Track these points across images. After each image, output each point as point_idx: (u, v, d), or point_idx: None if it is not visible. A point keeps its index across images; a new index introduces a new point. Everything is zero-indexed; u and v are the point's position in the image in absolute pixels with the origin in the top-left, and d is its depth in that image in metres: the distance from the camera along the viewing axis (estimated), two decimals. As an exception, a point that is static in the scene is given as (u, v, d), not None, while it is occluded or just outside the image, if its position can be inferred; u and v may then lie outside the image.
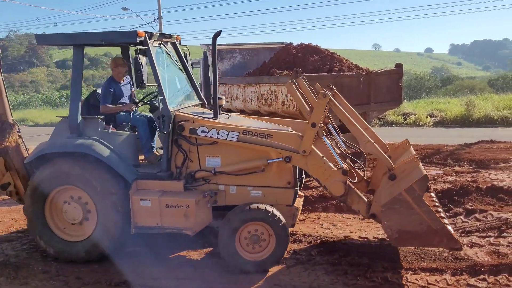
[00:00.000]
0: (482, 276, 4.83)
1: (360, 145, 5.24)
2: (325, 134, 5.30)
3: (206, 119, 5.44)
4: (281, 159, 5.17)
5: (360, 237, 6.06)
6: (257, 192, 5.36)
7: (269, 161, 5.25)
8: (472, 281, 4.76)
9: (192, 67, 13.35)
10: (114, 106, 5.84)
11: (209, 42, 6.74)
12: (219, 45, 12.17)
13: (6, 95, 5.93)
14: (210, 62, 11.21)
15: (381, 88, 9.63)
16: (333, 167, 5.04)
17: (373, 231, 6.24)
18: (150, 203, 5.18)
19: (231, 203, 5.41)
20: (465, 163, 9.85)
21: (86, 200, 5.42)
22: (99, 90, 6.15)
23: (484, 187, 7.53)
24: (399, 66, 10.21)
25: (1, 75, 5.90)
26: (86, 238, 5.45)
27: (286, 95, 8.68)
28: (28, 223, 5.66)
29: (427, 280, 4.81)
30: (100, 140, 5.37)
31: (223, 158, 5.36)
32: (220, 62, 11.55)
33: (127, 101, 6.10)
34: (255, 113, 9.25)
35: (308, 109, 5.39)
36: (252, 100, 9.78)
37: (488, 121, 17.00)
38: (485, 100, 20.58)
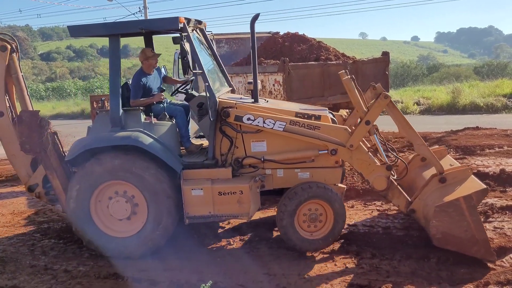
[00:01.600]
0: (468, 261, 4.89)
1: (414, 147, 5.36)
2: (376, 132, 5.37)
3: (249, 105, 5.40)
4: (326, 151, 5.21)
5: (348, 224, 6.09)
6: (305, 174, 5.38)
7: (320, 152, 5.28)
8: (459, 265, 4.83)
9: (178, 58, 13.33)
10: (143, 99, 5.71)
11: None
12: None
13: (27, 92, 5.75)
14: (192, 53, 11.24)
15: (368, 76, 9.68)
16: (377, 162, 5.20)
17: (361, 218, 6.29)
18: (203, 192, 5.14)
19: (279, 186, 5.46)
20: (451, 149, 9.93)
21: (133, 194, 5.27)
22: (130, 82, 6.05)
23: (470, 173, 7.62)
24: (385, 54, 10.25)
25: (21, 72, 5.72)
26: (136, 233, 5.30)
27: (273, 85, 8.68)
28: (73, 224, 5.41)
29: (414, 266, 4.86)
30: (145, 131, 5.26)
31: (269, 143, 5.35)
32: (206, 52, 11.46)
33: (158, 91, 6.01)
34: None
35: (364, 107, 5.38)
36: (239, 90, 9.74)
37: (473, 108, 17.16)
38: (471, 87, 20.77)
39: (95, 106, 7.96)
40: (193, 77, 6.24)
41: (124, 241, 5.29)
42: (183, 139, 5.66)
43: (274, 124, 5.17)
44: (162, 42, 68.55)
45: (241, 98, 5.73)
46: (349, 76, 5.55)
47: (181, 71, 14.07)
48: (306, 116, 5.35)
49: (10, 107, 5.60)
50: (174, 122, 5.60)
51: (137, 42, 74.08)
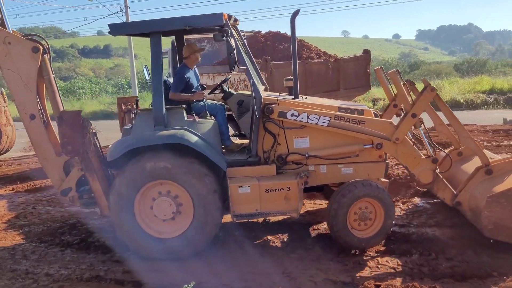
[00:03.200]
0: (449, 256, 4.98)
1: (460, 139, 5.44)
2: (421, 126, 5.38)
3: (291, 101, 5.36)
4: (371, 145, 5.21)
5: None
6: (348, 169, 5.34)
7: (365, 146, 5.26)
8: (441, 259, 4.90)
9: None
10: (184, 94, 5.63)
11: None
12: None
13: (59, 94, 5.62)
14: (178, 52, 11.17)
15: (350, 74, 9.75)
16: (422, 155, 5.22)
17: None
18: (250, 189, 5.06)
19: (322, 182, 5.44)
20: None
21: (176, 193, 5.18)
22: (170, 79, 5.94)
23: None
24: (366, 52, 10.33)
25: (52, 73, 5.57)
26: (182, 233, 5.20)
27: (256, 84, 8.67)
28: (117, 228, 5.26)
29: (397, 262, 4.92)
30: (189, 129, 5.16)
31: (312, 138, 5.30)
32: (188, 52, 11.40)
33: (199, 89, 5.95)
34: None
35: (410, 100, 5.42)
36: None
37: (454, 105, 17.41)
38: (451, 84, 21.11)
39: (123, 108, 7.85)
40: (230, 76, 6.18)
41: (170, 242, 5.20)
42: (223, 138, 5.57)
43: (318, 119, 5.15)
44: (145, 42, 67.81)
45: (279, 95, 5.70)
46: (395, 70, 5.61)
47: (164, 70, 14.00)
48: (349, 111, 5.35)
49: (41, 109, 5.46)
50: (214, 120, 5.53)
51: (119, 42, 73.36)
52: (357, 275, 4.68)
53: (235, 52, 4.98)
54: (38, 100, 5.42)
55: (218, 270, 4.92)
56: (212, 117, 5.52)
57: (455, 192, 5.26)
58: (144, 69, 14.35)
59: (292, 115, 5.15)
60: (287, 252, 5.31)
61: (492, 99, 18.71)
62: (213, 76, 9.95)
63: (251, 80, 5.19)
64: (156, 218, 5.22)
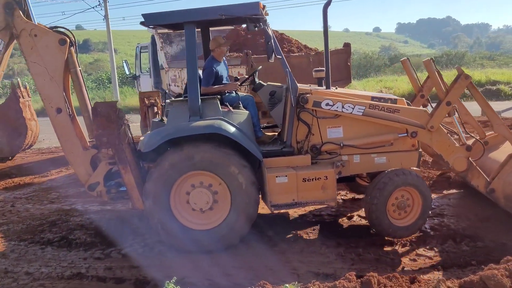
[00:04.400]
0: (430, 246, 5.06)
1: (493, 126, 5.52)
2: (455, 113, 5.40)
3: (324, 91, 5.36)
4: (406, 134, 5.24)
5: (313, 214, 6.17)
6: (381, 159, 5.36)
7: (400, 135, 5.27)
8: (421, 250, 5.00)
9: (140, 52, 13.12)
10: (216, 86, 5.61)
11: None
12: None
13: (85, 88, 5.53)
14: (158, 46, 11.07)
15: (331, 67, 9.73)
16: (456, 143, 5.27)
17: (327, 208, 6.36)
18: (287, 179, 5.04)
19: (355, 172, 5.45)
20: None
21: (211, 183, 5.12)
22: (199, 72, 5.89)
23: (431, 160, 7.86)
24: (347, 45, 10.36)
25: (79, 66, 5.46)
26: (217, 225, 5.13)
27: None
28: (151, 221, 5.15)
29: (378, 253, 4.97)
30: (226, 119, 5.10)
31: (345, 128, 5.31)
32: (169, 46, 11.32)
33: (227, 81, 5.93)
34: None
35: (443, 88, 5.43)
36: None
37: (434, 97, 17.34)
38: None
39: (146, 102, 7.74)
40: (260, 67, 6.17)
41: (204, 234, 5.13)
42: (255, 129, 5.56)
43: (353, 108, 5.15)
44: (125, 37, 67.24)
45: (310, 85, 5.68)
46: (429, 58, 5.67)
47: (144, 65, 13.88)
48: (382, 100, 5.35)
49: (66, 103, 5.35)
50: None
51: (98, 37, 72.31)
52: (339, 266, 4.71)
53: (272, 40, 4.97)
54: (64, 93, 5.32)
55: (201, 265, 4.90)
56: (244, 108, 5.53)
57: (488, 180, 5.32)
58: (124, 64, 14.25)
59: (327, 104, 5.17)
60: (270, 245, 5.32)
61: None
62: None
63: (287, 69, 5.18)
64: (191, 209, 5.17)
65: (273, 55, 5.05)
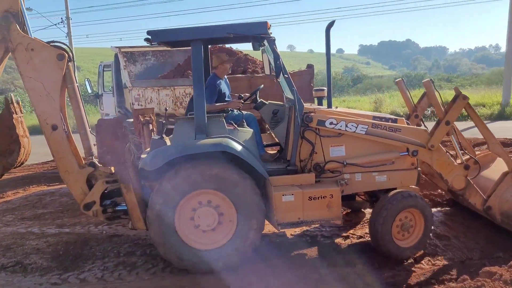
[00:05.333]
0: (391, 265, 5.13)
1: (489, 145, 5.61)
2: (454, 133, 5.54)
3: (328, 110, 5.38)
4: (407, 153, 5.32)
5: (276, 234, 6.16)
6: (382, 177, 5.40)
7: (401, 154, 5.34)
8: (383, 269, 5.04)
9: (103, 70, 12.95)
10: (219, 104, 5.57)
11: (121, 44, 6.57)
12: (132, 47, 11.82)
13: (82, 104, 5.33)
14: (122, 65, 10.96)
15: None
16: (455, 162, 5.38)
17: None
18: (293, 198, 5.00)
19: (357, 190, 5.48)
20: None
21: (218, 203, 5.03)
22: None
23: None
24: (310, 67, 10.54)
25: (76, 82, 5.26)
26: (224, 244, 5.04)
27: (201, 97, 8.63)
28: (156, 242, 5.02)
29: (340, 273, 4.98)
30: (232, 137, 5.04)
31: (348, 147, 5.34)
32: (132, 65, 11.22)
33: (230, 98, 5.90)
34: (171, 117, 9.09)
35: (442, 108, 5.54)
36: (167, 103, 9.60)
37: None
38: (391, 98, 22.00)
39: (141, 119, 7.51)
40: (261, 86, 6.15)
41: (211, 253, 5.02)
42: (258, 147, 5.50)
43: (356, 127, 5.22)
44: (88, 54, 66.22)
45: (311, 104, 5.69)
46: (429, 79, 5.79)
47: (107, 83, 13.67)
48: (383, 119, 5.42)
49: (62, 120, 5.15)
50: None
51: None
52: (302, 287, 4.69)
53: (281, 60, 5.00)
54: (60, 110, 5.15)
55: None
56: (247, 126, 5.51)
57: (485, 197, 5.45)
58: (86, 82, 14.02)
59: (331, 123, 5.22)
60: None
61: (429, 112, 19.64)
62: (158, 90, 9.82)
63: (293, 88, 5.19)
64: (196, 229, 5.05)
65: (281, 74, 5.09)
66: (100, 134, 4.90)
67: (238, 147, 4.97)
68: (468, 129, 13.19)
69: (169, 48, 12.03)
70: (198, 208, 5.01)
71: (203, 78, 5.08)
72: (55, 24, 28.06)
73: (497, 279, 3.93)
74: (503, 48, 25.88)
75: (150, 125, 7.30)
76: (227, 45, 10.92)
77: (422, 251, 5.38)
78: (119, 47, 11.23)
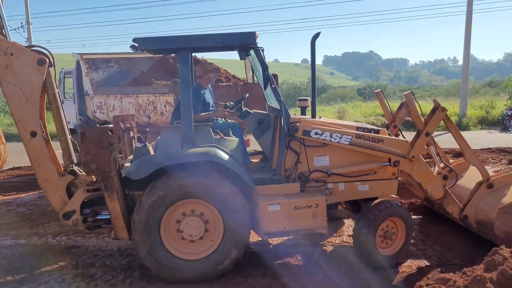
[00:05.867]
0: (351, 272, 5.19)
1: (465, 156, 5.78)
2: (432, 144, 5.69)
3: (312, 120, 5.41)
4: (388, 163, 5.41)
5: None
6: (364, 186, 5.45)
7: (383, 164, 5.42)
8: (344, 277, 5.10)
9: (64, 77, 12.67)
10: (205, 113, 5.53)
11: (82, 51, 6.45)
12: (94, 54, 11.63)
13: (63, 111, 5.11)
14: (83, 72, 10.75)
15: (258, 97, 9.86)
16: (434, 172, 5.51)
17: (253, 238, 6.35)
18: (279, 207, 5.00)
19: (340, 199, 5.50)
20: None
21: (203, 212, 4.96)
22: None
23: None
24: (274, 76, 10.59)
25: (56, 88, 5.02)
26: (210, 254, 4.98)
27: (165, 106, 8.56)
28: (139, 251, 4.89)
29: (303, 282, 5.02)
30: (219, 147, 4.98)
31: (331, 157, 5.38)
32: (94, 72, 11.02)
33: (214, 108, 5.84)
34: (135, 124, 8.97)
35: (422, 120, 5.65)
36: (129, 111, 9.47)
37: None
38: (355, 108, 22.43)
39: (121, 126, 7.23)
40: (246, 95, 6.11)
41: (197, 263, 4.97)
42: (243, 156, 5.46)
43: (340, 138, 5.27)
44: (49, 60, 64.24)
45: (295, 114, 5.71)
46: (410, 91, 5.91)
47: (68, 90, 13.36)
48: (366, 130, 5.49)
49: (42, 126, 4.91)
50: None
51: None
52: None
53: (269, 70, 4.99)
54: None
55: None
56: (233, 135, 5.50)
57: (461, 206, 5.59)
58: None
59: (316, 133, 5.24)
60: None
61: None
62: (120, 98, 9.68)
63: (279, 98, 5.20)
64: (182, 239, 4.96)
65: (269, 84, 5.09)
66: (85, 142, 4.76)
67: (225, 157, 4.96)
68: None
69: (133, 56, 12.03)
70: (184, 218, 4.96)
71: (190, 87, 5.05)
72: (15, 29, 27.28)
73: (451, 285, 4.04)
74: (461, 61, 26.90)
75: (131, 132, 7.17)
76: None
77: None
78: (81, 54, 11.03)
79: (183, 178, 4.84)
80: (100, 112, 9.90)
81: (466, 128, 20.94)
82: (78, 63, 11.33)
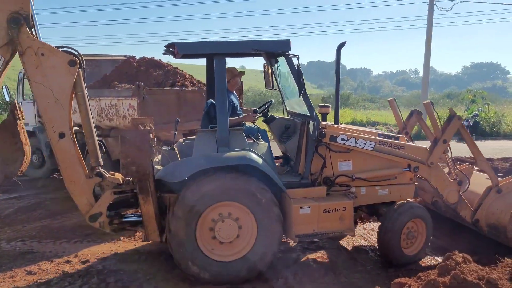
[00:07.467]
0: (313, 278, 5.23)
1: (477, 162, 6.10)
2: (448, 150, 5.89)
3: (337, 126, 5.65)
4: (408, 169, 5.67)
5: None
6: (384, 191, 5.71)
7: (404, 170, 5.68)
8: (306, 282, 5.13)
9: (23, 78, 12.30)
10: (235, 118, 5.63)
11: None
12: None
13: (91, 113, 4.97)
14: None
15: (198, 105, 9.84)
16: (450, 178, 5.74)
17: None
18: (310, 210, 5.14)
19: (361, 203, 5.72)
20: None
21: (238, 215, 5.04)
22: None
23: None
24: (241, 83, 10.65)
25: (86, 90, 4.87)
26: (245, 255, 5.06)
27: (128, 109, 8.43)
28: (176, 253, 4.95)
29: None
30: (254, 151, 5.11)
31: (354, 162, 5.58)
32: (55, 73, 10.75)
33: (241, 111, 5.99)
34: (96, 128, 8.80)
35: (439, 127, 5.84)
36: (91, 113, 9.26)
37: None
38: (319, 115, 22.66)
39: (141, 129, 6.94)
40: (272, 100, 6.29)
41: (231, 265, 5.05)
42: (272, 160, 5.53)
43: (365, 144, 5.48)
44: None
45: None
46: (429, 101, 6.07)
47: (27, 91, 13.01)
48: (387, 137, 5.68)
49: (70, 127, 4.78)
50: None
51: None
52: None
53: (304, 78, 5.11)
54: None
55: None
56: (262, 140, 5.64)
57: (473, 211, 5.80)
58: (4, 90, 13.22)
59: (342, 139, 5.45)
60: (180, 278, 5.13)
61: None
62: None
63: (310, 105, 5.31)
64: (215, 240, 5.04)
65: (303, 90, 5.18)
66: (125, 145, 4.72)
67: (260, 161, 5.09)
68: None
69: (96, 58, 11.80)
70: (219, 220, 5.02)
71: (226, 92, 5.15)
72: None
73: (406, 289, 4.15)
74: (421, 73, 27.80)
75: (151, 135, 7.05)
76: (157, 58, 10.83)
77: (343, 265, 5.55)
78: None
79: (221, 181, 4.95)
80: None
81: (425, 137, 21.50)
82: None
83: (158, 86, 9.46)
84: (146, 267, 5.59)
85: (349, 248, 6.30)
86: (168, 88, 9.25)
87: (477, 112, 22.97)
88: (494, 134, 21.77)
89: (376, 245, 5.95)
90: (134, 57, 11.17)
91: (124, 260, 5.84)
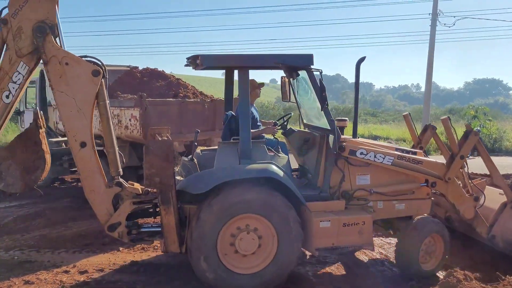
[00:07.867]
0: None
1: (493, 178, 6.07)
2: (465, 166, 5.92)
3: (356, 140, 5.69)
4: (425, 184, 5.68)
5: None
6: (401, 205, 5.68)
7: (421, 185, 5.70)
8: None
9: (27, 87, 12.35)
10: (256, 130, 5.70)
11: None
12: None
13: (111, 122, 5.05)
14: (47, 82, 10.48)
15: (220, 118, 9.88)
16: (466, 194, 5.75)
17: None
18: (330, 224, 5.13)
19: (379, 217, 5.70)
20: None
21: (258, 227, 5.05)
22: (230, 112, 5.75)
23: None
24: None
25: (108, 99, 4.94)
26: (263, 269, 5.07)
27: (130, 120, 8.44)
28: (196, 263, 4.93)
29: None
30: (275, 164, 5.14)
31: (372, 176, 5.59)
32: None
33: (261, 124, 6.07)
34: (98, 138, 8.80)
35: (456, 143, 5.87)
36: (94, 124, 9.26)
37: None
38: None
39: (158, 139, 6.95)
40: (291, 113, 6.37)
41: (252, 277, 5.05)
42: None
43: (384, 158, 5.49)
44: None
45: None
46: (446, 117, 6.08)
47: (31, 100, 13.03)
48: (405, 152, 5.69)
49: (91, 137, 4.81)
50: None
51: None
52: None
53: (326, 91, 5.13)
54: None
55: None
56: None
57: (489, 227, 5.76)
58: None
59: (361, 153, 5.45)
60: None
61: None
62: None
63: (331, 119, 5.30)
64: (236, 253, 5.04)
65: (326, 104, 5.20)
66: (149, 155, 4.74)
67: (281, 173, 5.09)
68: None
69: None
70: (239, 233, 5.01)
71: (249, 104, 5.19)
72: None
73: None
74: (423, 88, 27.80)
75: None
76: (160, 69, 10.87)
77: (345, 280, 5.50)
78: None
79: (243, 193, 4.94)
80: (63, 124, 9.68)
81: (427, 152, 21.51)
82: (42, 72, 11.09)
83: (160, 97, 9.47)
84: (145, 278, 5.56)
85: (365, 260, 6.32)
86: (171, 99, 9.25)
87: (479, 128, 22.95)
88: (496, 150, 21.72)
89: (391, 257, 5.93)
90: (137, 67, 11.21)
91: (123, 271, 5.81)
